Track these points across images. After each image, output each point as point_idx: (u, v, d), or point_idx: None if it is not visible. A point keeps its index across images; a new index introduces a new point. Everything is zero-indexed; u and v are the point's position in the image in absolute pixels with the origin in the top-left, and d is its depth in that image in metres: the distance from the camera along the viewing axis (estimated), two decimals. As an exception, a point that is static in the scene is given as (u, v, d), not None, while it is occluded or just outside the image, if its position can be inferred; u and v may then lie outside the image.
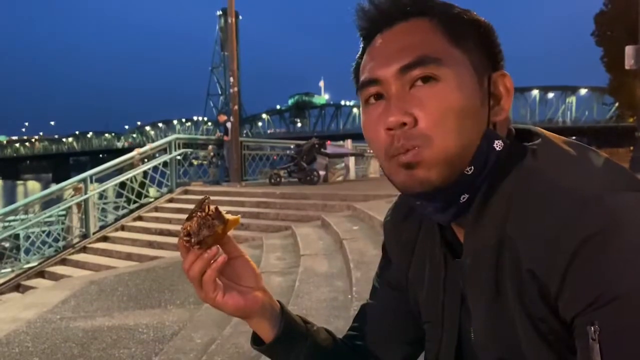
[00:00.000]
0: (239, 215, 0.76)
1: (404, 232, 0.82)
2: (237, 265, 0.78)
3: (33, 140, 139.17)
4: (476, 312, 0.67)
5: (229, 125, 12.27)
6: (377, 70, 0.66)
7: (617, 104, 45.42)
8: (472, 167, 0.64)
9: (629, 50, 11.71)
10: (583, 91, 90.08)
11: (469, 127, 0.64)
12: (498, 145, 0.65)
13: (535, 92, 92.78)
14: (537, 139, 0.67)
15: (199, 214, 0.73)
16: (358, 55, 0.72)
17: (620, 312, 0.52)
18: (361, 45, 0.72)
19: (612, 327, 0.52)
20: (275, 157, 15.26)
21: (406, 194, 0.68)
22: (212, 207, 0.73)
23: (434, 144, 0.62)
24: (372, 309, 0.90)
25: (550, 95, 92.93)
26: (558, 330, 0.58)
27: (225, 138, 12.36)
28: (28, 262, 8.63)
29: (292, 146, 14.09)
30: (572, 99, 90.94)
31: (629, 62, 11.71)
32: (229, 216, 0.74)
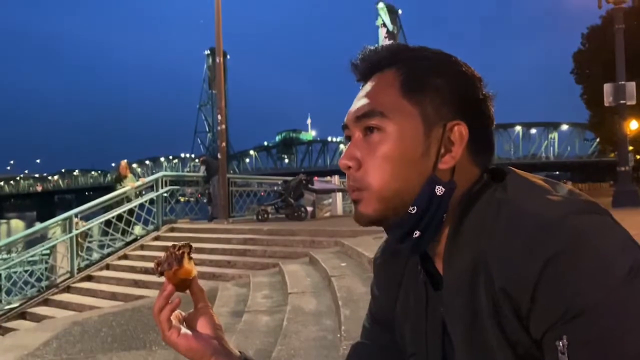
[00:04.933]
0: (196, 271, 0.82)
1: (392, 267, 0.86)
2: (198, 315, 0.84)
3: (18, 178, 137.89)
4: (457, 341, 0.70)
5: (202, 170, 12.93)
6: (346, 117, 0.76)
7: (598, 140, 46.19)
8: (415, 207, 0.70)
9: (607, 87, 12.02)
10: (565, 127, 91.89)
11: (406, 173, 0.70)
12: (439, 190, 0.70)
13: (519, 128, 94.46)
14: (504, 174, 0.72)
15: (170, 249, 0.80)
16: None
17: (587, 324, 0.55)
18: None
19: (580, 339, 0.55)
20: (262, 194, 15.24)
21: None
22: (182, 250, 0.80)
23: (370, 186, 0.70)
24: (363, 348, 0.92)
25: (533, 131, 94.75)
26: (534, 354, 0.60)
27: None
28: (9, 303, 8.42)
29: (279, 182, 14.10)
30: (555, 135, 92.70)
31: (607, 100, 12.00)
32: (188, 265, 0.80)
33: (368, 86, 0.75)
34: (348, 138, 0.75)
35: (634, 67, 16.46)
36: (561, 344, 0.55)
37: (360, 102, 0.74)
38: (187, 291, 0.83)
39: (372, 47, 0.77)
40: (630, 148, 17.57)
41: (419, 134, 0.70)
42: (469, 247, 0.67)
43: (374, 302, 0.92)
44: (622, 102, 11.75)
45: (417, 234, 0.71)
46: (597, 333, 0.54)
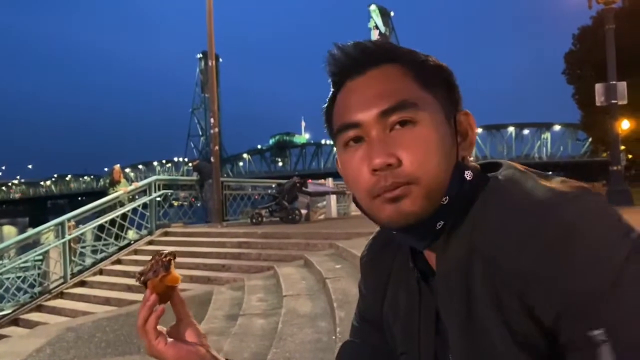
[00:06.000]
0: (180, 277, 0.81)
1: (379, 265, 0.87)
2: (182, 327, 0.83)
3: (10, 184, 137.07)
4: (452, 335, 0.69)
5: (194, 175, 12.95)
6: (356, 115, 0.70)
7: (590, 140, 46.53)
8: (447, 197, 0.68)
9: (598, 88, 12.08)
10: (557, 127, 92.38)
11: (445, 164, 0.68)
12: (468, 175, 0.70)
13: (511, 129, 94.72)
14: (500, 167, 0.72)
15: (157, 257, 0.80)
16: (328, 100, 0.77)
17: (621, 304, 0.54)
18: (331, 91, 0.76)
19: (617, 322, 0.54)
20: (256, 197, 15.21)
21: (389, 228, 0.71)
22: (169, 257, 0.80)
23: (420, 181, 0.66)
24: (353, 347, 0.92)
25: (526, 131, 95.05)
26: (534, 341, 0.60)
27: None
28: (2, 310, 8.34)
29: (273, 185, 14.08)
30: (547, 135, 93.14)
31: (599, 99, 12.07)
32: (175, 272, 0.80)
33: (374, 80, 0.70)
34: (357, 139, 0.70)
35: (625, 67, 16.58)
36: (596, 333, 0.54)
37: (379, 96, 0.69)
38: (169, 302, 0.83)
39: (351, 43, 0.73)
40: (622, 147, 17.65)
41: (445, 123, 0.70)
42: (462, 240, 0.67)
43: (362, 300, 0.93)
44: (613, 101, 11.81)
45: (439, 224, 0.69)
46: (633, 310, 0.54)
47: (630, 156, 29.73)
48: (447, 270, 0.69)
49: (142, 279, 0.79)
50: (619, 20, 13.81)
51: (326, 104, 0.77)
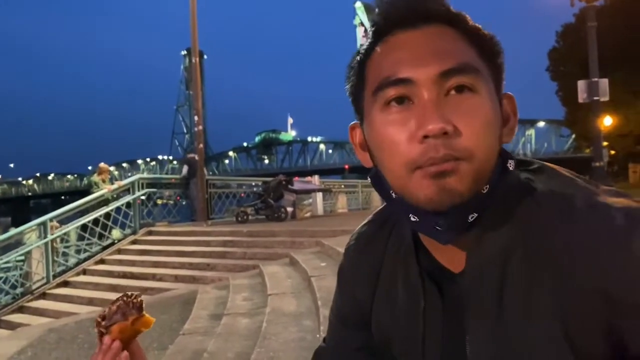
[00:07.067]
0: (154, 319, 0.77)
1: (367, 259, 0.79)
2: None
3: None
4: (477, 337, 0.63)
5: (184, 170, 12.63)
6: (408, 70, 0.60)
7: (573, 136, 47.11)
8: (488, 186, 0.60)
9: (581, 84, 12.19)
10: (541, 124, 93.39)
11: (496, 145, 0.62)
12: (511, 164, 0.63)
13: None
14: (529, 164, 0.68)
15: (125, 298, 0.74)
16: (362, 51, 0.66)
17: None
18: (368, 41, 0.66)
19: None
20: (242, 195, 15.14)
21: (423, 210, 0.61)
22: (140, 299, 0.75)
23: (474, 157, 0.58)
24: (326, 350, 0.89)
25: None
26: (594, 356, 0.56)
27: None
28: (-17, 312, 8.22)
29: (259, 183, 14.03)
30: (532, 132, 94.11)
31: (581, 96, 12.18)
32: (148, 316, 0.75)
33: (431, 37, 0.61)
34: (400, 99, 0.60)
35: (608, 64, 16.78)
36: None
37: (440, 54, 0.60)
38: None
39: None
40: (605, 144, 17.90)
41: (497, 101, 0.63)
42: (508, 235, 0.62)
43: (345, 298, 0.85)
44: (595, 98, 11.92)
45: (472, 217, 0.61)
46: None
47: (612, 152, 30.14)
48: (479, 271, 0.63)
49: (104, 324, 0.73)
50: (601, 18, 13.94)
51: (358, 56, 0.67)
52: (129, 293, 0.74)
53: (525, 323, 0.59)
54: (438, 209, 0.59)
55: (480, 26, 0.64)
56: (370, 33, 0.65)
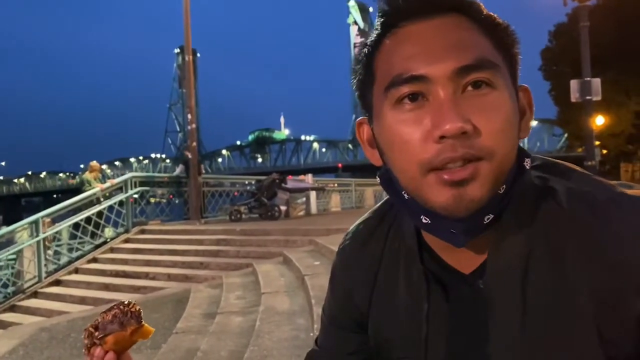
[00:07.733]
0: (153, 329, 0.73)
1: (364, 259, 0.76)
2: None
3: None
4: (501, 340, 0.61)
5: (178, 169, 12.58)
6: (422, 67, 0.56)
7: (566, 135, 47.27)
8: (505, 186, 0.58)
9: (573, 84, 12.25)
10: (534, 123, 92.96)
11: (515, 142, 0.59)
12: (527, 162, 0.61)
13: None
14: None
15: (121, 307, 0.69)
16: (368, 44, 0.63)
17: None
18: (376, 32, 0.62)
19: None
20: (235, 193, 15.11)
21: (434, 215, 0.59)
22: (138, 307, 0.70)
23: (494, 157, 0.55)
24: (319, 354, 0.85)
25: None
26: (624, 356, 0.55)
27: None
28: (-26, 311, 8.16)
29: (252, 182, 14.01)
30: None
31: (574, 95, 12.23)
32: (148, 326, 0.71)
33: (446, 29, 0.58)
34: (414, 96, 0.57)
35: (600, 64, 16.86)
36: None
37: (456, 48, 0.56)
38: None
39: None
40: (597, 143, 17.99)
41: (514, 96, 0.60)
42: (522, 237, 0.60)
43: (339, 299, 0.81)
44: (588, 98, 11.98)
45: (488, 218, 0.58)
46: None
47: (604, 151, 30.27)
48: (503, 274, 0.60)
49: (98, 334, 0.67)
50: (594, 18, 14.00)
51: (365, 49, 0.63)
52: (125, 301, 0.69)
53: (554, 325, 0.57)
54: (454, 216, 0.57)
55: (495, 15, 0.61)
56: (378, 24, 0.62)
